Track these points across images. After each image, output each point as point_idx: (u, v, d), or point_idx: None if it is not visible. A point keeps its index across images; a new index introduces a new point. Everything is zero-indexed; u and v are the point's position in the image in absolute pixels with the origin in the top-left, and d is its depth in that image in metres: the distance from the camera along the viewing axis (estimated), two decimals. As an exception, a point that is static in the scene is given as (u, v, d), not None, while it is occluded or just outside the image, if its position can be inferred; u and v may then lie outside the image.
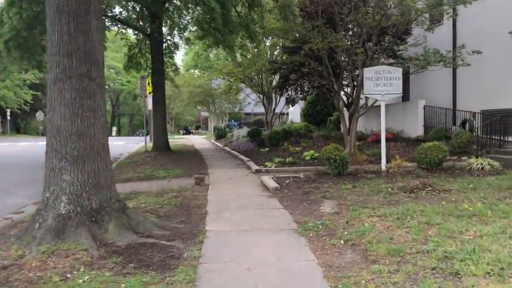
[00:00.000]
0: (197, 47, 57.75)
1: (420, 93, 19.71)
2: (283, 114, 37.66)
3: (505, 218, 5.65)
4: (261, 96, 30.21)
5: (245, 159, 16.09)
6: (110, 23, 22.42)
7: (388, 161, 13.30)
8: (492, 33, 15.65)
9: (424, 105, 18.40)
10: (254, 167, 13.65)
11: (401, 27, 15.18)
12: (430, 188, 7.93)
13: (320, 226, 6.04)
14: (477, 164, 10.58)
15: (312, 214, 7.05)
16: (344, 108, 22.41)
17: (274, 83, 29.88)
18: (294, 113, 36.25)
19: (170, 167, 14.94)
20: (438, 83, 18.81)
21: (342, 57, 15.37)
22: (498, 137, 14.06)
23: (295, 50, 19.63)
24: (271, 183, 10.00)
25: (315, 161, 14.25)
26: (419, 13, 13.85)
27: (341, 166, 10.21)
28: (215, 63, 39.34)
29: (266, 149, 18.11)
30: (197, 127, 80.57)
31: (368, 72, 10.82)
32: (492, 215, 5.81)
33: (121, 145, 31.78)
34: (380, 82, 10.77)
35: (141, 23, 22.07)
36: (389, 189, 8.38)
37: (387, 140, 17.53)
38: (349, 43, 15.57)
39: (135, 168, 15.23)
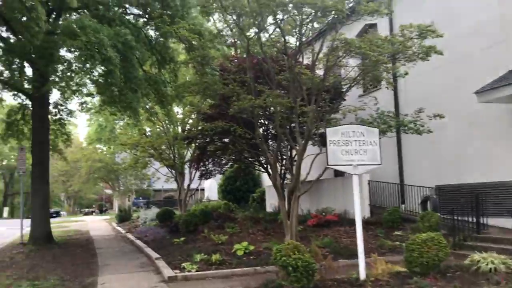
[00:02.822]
0: (101, 119, 53.04)
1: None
2: (198, 190, 33.60)
3: None
4: (173, 171, 26.21)
5: (153, 255, 11.87)
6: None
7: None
8: (449, 95, 13.63)
9: (369, 180, 15.67)
10: (167, 270, 9.53)
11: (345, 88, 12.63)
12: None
13: None
14: (486, 264, 7.50)
15: None
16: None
17: (188, 155, 26.23)
18: (211, 189, 32.47)
19: (43, 273, 10.32)
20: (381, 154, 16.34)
21: (279, 120, 12.22)
22: (471, 219, 11.38)
23: (214, 117, 16.40)
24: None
25: (251, 257, 10.49)
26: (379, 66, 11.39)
27: (305, 277, 6.57)
28: (119, 135, 34.96)
29: (182, 238, 13.98)
30: (100, 206, 73.27)
31: (332, 133, 7.60)
32: None
33: (1, 232, 25.51)
34: (351, 148, 7.58)
35: (27, 85, 17.60)
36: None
37: (331, 223, 14.45)
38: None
39: (-12, 277, 10.36)
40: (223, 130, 14.43)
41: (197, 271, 9.30)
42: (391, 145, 15.72)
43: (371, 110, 13.33)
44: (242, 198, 26.92)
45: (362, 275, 7.32)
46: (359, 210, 7.74)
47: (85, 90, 16.62)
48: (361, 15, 11.33)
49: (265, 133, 17.21)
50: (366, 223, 14.35)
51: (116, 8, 14.94)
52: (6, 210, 74.66)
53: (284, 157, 16.38)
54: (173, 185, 33.57)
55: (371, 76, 13.24)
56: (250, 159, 19.72)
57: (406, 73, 12.49)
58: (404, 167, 15.92)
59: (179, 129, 25.27)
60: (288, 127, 13.54)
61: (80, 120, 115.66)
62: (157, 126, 25.91)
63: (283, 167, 16.37)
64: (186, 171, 25.90)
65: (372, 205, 15.68)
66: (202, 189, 35.76)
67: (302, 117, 12.63)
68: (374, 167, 8.02)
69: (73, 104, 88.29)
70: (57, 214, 60.16)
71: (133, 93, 13.26)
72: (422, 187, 14.18)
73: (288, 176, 18.48)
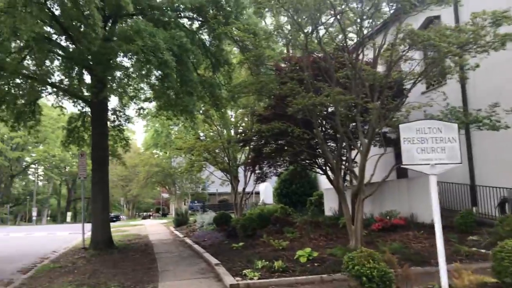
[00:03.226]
0: (157, 124, 54.21)
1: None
2: (251, 193, 33.32)
3: None
4: (228, 175, 26.09)
5: (213, 260, 11.58)
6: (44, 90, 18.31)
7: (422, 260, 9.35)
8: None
9: (437, 181, 14.67)
10: (228, 278, 9.16)
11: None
12: None
13: None
14: None
15: None
16: (331, 186, 18.58)
17: (242, 158, 26.05)
18: (266, 193, 32.09)
19: (103, 279, 10.26)
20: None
21: (340, 119, 11.62)
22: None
23: (269, 118, 16.04)
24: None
25: (315, 264, 9.94)
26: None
27: (381, 288, 5.98)
28: (175, 141, 35.46)
29: (240, 243, 13.65)
30: (157, 210, 74.87)
31: (406, 130, 6.95)
32: None
33: (64, 237, 26.37)
34: (427, 146, 6.90)
35: (86, 93, 18.00)
36: None
37: (397, 227, 13.63)
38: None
39: (51, 283, 10.42)
40: (280, 131, 14.01)
41: (259, 278, 8.87)
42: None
43: (439, 107, 12.46)
44: (299, 202, 26.33)
45: (445, 286, 6.60)
46: (438, 213, 7.05)
47: (142, 96, 16.74)
48: (427, 4, 10.55)
49: (322, 134, 16.66)
50: (433, 227, 13.36)
51: (170, 12, 14.90)
52: (69, 215, 78.09)
53: (344, 158, 15.74)
54: (227, 189, 33.48)
55: (437, 70, 12.37)
56: (307, 161, 19.19)
57: (477, 66, 11.54)
58: (475, 167, 14.82)
59: (232, 133, 25.18)
60: (349, 127, 12.91)
61: (138, 126, 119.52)
62: (211, 130, 25.93)
63: (343, 169, 15.73)
64: (240, 174, 25.72)
65: (441, 207, 14.68)
66: (257, 193, 35.51)
67: (364, 116, 11.98)
68: (453, 166, 7.27)
69: (131, 110, 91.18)
70: (117, 218, 62.01)
71: (189, 96, 13.10)
72: (497, 187, 13.11)
73: (347, 178, 17.81)
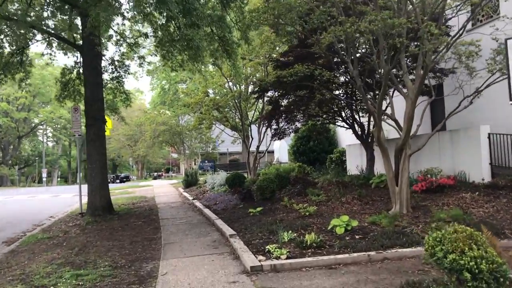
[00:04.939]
0: (163, 82, 51.98)
1: (466, 116, 13.74)
2: (265, 152, 31.22)
3: None
4: (240, 133, 23.98)
5: (227, 230, 9.59)
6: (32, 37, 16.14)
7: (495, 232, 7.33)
8: None
9: (489, 133, 12.42)
10: (248, 256, 7.11)
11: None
12: None
13: None
14: None
15: None
16: (354, 141, 16.47)
17: (255, 115, 23.89)
18: (281, 151, 29.99)
19: (94, 256, 8.34)
20: (498, 99, 12.98)
21: (384, 53, 9.22)
22: None
23: (289, 63, 13.78)
24: None
25: (357, 237, 7.87)
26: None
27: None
28: (182, 99, 33.27)
29: (258, 208, 11.63)
30: (167, 170, 73.58)
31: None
32: None
33: (65, 200, 24.84)
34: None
35: (78, 41, 15.71)
36: None
37: (448, 186, 11.50)
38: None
39: (30, 260, 8.53)
40: (304, 76, 11.71)
41: (288, 257, 6.81)
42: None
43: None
44: (317, 160, 24.26)
45: None
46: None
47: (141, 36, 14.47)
48: None
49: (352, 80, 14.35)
50: (488, 187, 11.29)
51: None
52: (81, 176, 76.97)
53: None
54: (238, 148, 31.42)
55: None
56: (329, 114, 16.96)
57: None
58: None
59: (243, 88, 22.96)
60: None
61: (145, 85, 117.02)
62: (221, 84, 23.69)
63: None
64: (253, 132, 23.68)
65: (492, 164, 12.48)
66: (270, 152, 33.40)
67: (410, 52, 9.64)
68: None
69: (134, 65, 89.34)
70: (127, 179, 60.90)
71: (195, 30, 10.70)
72: None
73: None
